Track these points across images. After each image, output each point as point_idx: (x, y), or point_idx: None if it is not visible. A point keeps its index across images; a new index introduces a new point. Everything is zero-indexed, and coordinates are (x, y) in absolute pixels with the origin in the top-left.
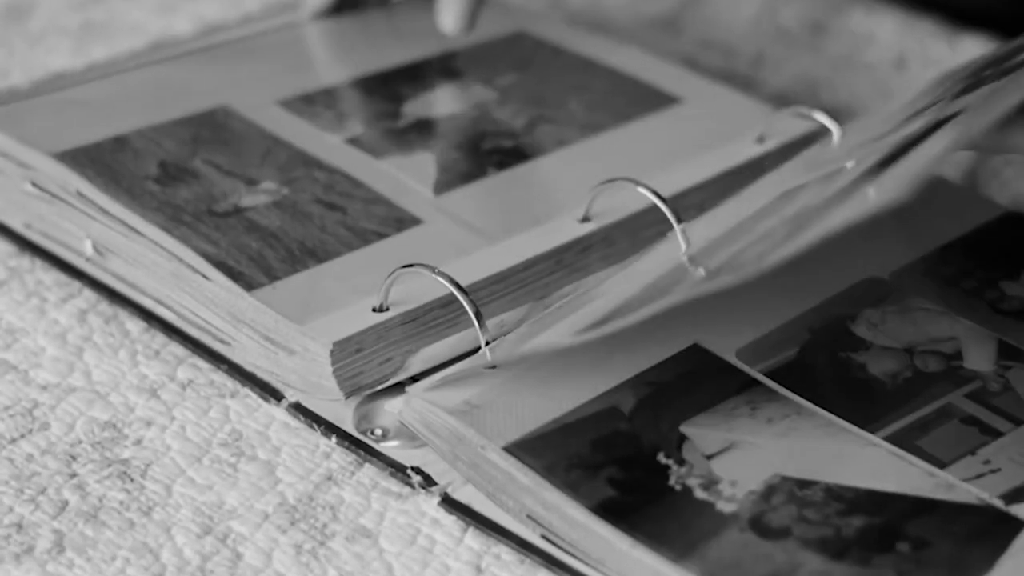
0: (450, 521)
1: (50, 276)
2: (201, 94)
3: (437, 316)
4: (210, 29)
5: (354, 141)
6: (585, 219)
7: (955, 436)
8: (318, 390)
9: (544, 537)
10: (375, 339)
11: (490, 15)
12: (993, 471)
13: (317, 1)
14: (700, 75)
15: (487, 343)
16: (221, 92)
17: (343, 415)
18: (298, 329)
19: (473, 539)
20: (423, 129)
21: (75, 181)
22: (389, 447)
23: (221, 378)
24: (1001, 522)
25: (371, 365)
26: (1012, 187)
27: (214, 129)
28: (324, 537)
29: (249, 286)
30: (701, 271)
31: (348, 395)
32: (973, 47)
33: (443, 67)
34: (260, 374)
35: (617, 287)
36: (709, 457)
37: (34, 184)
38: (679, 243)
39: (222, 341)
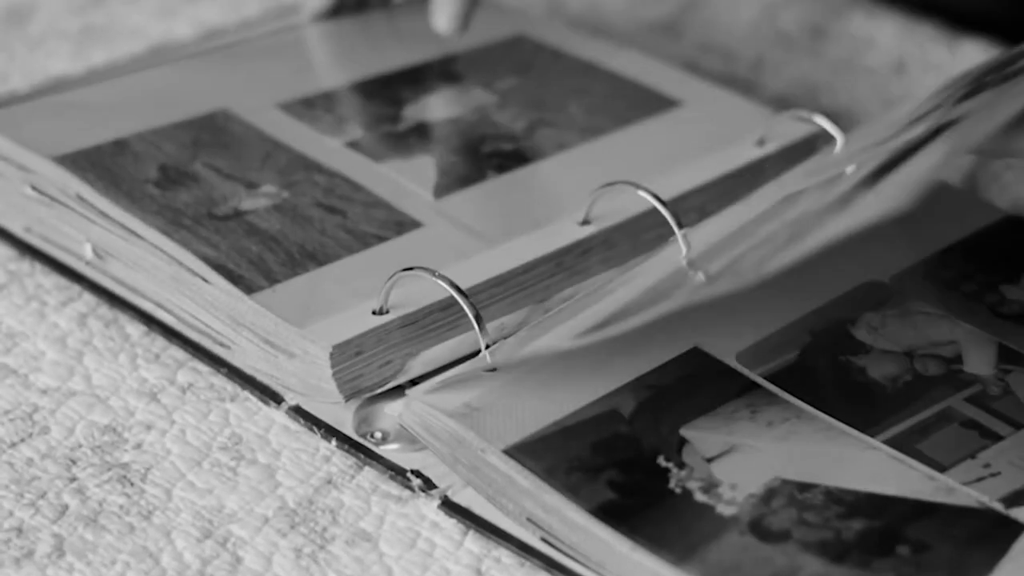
0: (450, 524)
1: (50, 280)
2: (201, 97)
3: (437, 319)
4: (210, 33)
5: (354, 144)
6: (585, 222)
7: (955, 440)
8: (318, 393)
9: (544, 540)
10: (375, 342)
11: (490, 19)
12: (993, 475)
13: (317, 3)
14: (700, 79)
15: (487, 346)
16: (221, 95)
17: (343, 418)
18: (298, 332)
19: (473, 542)
20: (423, 133)
21: (75, 184)
22: (389, 450)
23: (221, 381)
24: (1001, 525)
25: (371, 368)
26: (1012, 191)
27: (214, 132)
28: (324, 541)
29: (249, 289)
30: (701, 275)
31: (348, 398)
32: (973, 51)
33: (443, 70)
34: (260, 377)
35: (618, 291)
36: (709, 460)
37: (34, 188)
38: (680, 247)
39: (222, 344)
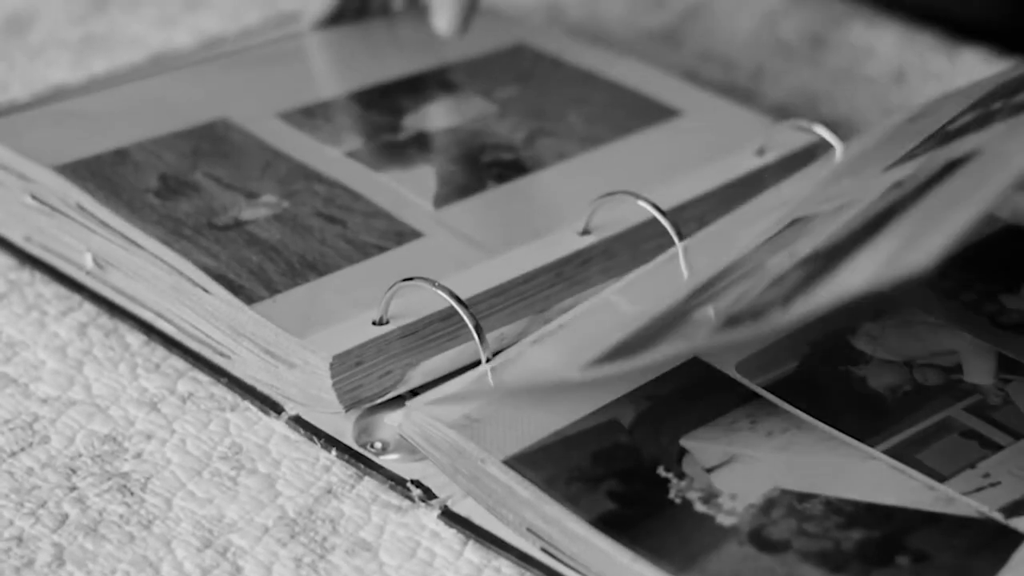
0: (450, 534)
1: (50, 289)
2: (201, 107)
3: (437, 329)
4: (210, 42)
5: (354, 154)
6: (585, 232)
7: (955, 449)
8: (318, 403)
9: (544, 550)
10: (375, 352)
11: (490, 28)
12: (993, 484)
13: (317, 11)
14: (700, 88)
15: (488, 360)
16: (221, 105)
17: (343, 428)
18: (298, 342)
19: (473, 552)
20: (423, 142)
21: (75, 194)
22: (389, 460)
23: (221, 391)
24: (1000, 535)
25: (371, 378)
26: (1012, 200)
27: (214, 142)
28: (324, 550)
29: (249, 299)
30: (710, 311)
31: (348, 408)
32: (973, 60)
33: (443, 80)
34: (260, 387)
35: (622, 310)
36: (709, 470)
37: (34, 197)
38: (681, 267)
39: (222, 354)
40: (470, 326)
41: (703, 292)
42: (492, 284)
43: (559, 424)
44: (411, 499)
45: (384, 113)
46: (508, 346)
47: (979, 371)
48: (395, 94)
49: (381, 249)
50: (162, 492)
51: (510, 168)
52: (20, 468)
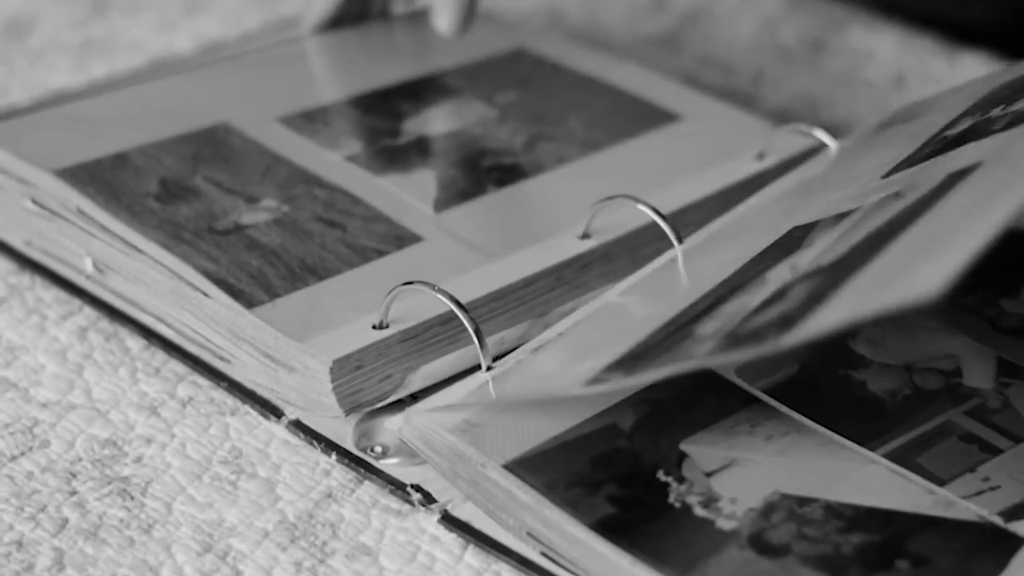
0: (450, 539)
1: (50, 293)
2: (201, 111)
3: (437, 333)
4: (210, 46)
5: (354, 158)
6: (585, 236)
7: (955, 453)
8: (318, 407)
9: (544, 555)
10: (375, 356)
11: (490, 32)
12: (992, 488)
13: (317, 15)
14: (700, 92)
15: (488, 368)
16: (221, 109)
17: (343, 432)
18: (298, 346)
19: (473, 557)
20: (423, 147)
21: (75, 198)
22: (389, 464)
23: (221, 395)
24: (1000, 539)
25: (371, 382)
26: None
27: (214, 146)
28: (324, 555)
29: (249, 304)
30: (712, 326)
31: (348, 412)
32: (973, 64)
33: (443, 84)
34: (260, 391)
35: (624, 319)
36: (709, 475)
37: (34, 201)
38: (681, 276)
39: (222, 358)
40: (470, 330)
41: (703, 304)
42: (492, 288)
43: (559, 428)
44: (411, 503)
45: (384, 117)
46: (508, 350)
47: (979, 375)
48: (395, 98)
49: (381, 253)
50: (162, 496)
51: (510, 172)
52: (20, 472)
